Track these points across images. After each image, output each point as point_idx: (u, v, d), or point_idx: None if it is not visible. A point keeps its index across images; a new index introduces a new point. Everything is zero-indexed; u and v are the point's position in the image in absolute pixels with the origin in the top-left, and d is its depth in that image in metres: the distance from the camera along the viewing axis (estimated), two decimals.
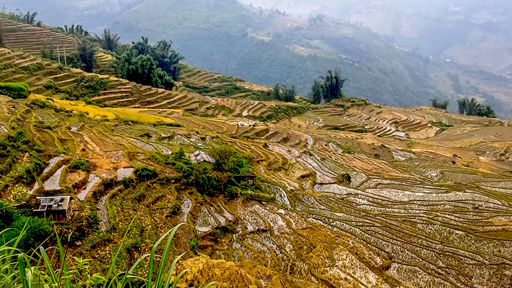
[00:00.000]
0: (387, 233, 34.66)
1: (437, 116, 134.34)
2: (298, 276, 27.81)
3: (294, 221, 36.07)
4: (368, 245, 32.44)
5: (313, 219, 36.76)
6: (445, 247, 32.43)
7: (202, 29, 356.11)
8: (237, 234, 33.54)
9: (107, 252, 27.42)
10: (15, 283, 4.14)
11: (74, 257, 4.60)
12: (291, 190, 44.61)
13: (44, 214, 28.30)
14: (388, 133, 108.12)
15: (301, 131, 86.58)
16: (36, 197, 30.30)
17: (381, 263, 30.03)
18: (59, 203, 29.09)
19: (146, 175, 38.14)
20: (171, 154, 45.36)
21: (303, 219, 36.39)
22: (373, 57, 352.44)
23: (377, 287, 27.50)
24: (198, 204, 36.70)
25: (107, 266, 24.76)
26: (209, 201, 38.01)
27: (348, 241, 32.76)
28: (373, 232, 34.66)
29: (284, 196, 42.62)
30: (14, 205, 28.94)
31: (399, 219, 37.77)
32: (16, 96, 66.03)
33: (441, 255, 31.25)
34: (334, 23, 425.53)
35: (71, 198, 30.54)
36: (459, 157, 75.01)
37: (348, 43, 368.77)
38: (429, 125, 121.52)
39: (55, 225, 27.58)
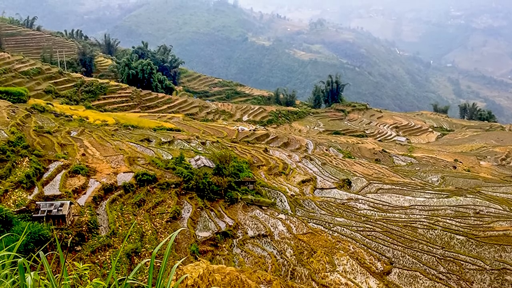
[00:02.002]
0: (388, 238, 34.56)
1: (438, 121, 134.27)
2: (299, 281, 27.71)
3: (294, 226, 35.98)
4: (369, 250, 32.34)
5: (313, 224, 36.66)
6: (446, 252, 32.34)
7: (203, 33, 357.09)
8: (237, 239, 33.44)
9: (107, 257, 27.34)
10: None
11: (74, 262, 4.59)
12: (291, 195, 44.51)
13: (44, 219, 28.22)
14: (389, 138, 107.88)
15: (302, 136, 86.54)
16: (36, 202, 30.23)
17: (382, 268, 29.94)
18: (59, 208, 29.02)
19: (146, 180, 38.06)
20: (171, 159, 45.30)
21: (304, 224, 36.30)
22: (374, 62, 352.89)
23: None
24: (198, 209, 36.62)
25: (107, 271, 24.69)
26: (210, 206, 37.92)
27: (348, 246, 32.66)
28: (374, 237, 34.57)
29: (285, 201, 42.51)
30: (14, 210, 28.89)
31: (400, 224, 37.69)
32: (16, 100, 66.03)
33: (442, 260, 31.15)
34: (334, 27, 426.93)
35: (71, 203, 30.47)
36: (460, 162, 74.88)
37: (348, 48, 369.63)
38: (430, 129, 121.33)
39: (55, 230, 27.50)
